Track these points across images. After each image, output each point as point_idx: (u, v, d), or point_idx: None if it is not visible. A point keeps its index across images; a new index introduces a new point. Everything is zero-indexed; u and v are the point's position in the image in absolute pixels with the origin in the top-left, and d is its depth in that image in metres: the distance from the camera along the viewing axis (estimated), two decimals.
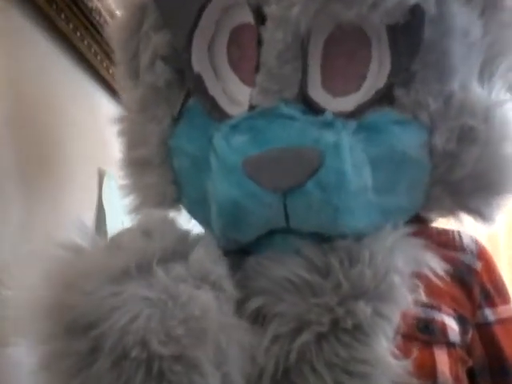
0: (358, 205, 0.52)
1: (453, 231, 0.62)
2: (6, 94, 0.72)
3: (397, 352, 0.49)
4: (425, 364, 0.52)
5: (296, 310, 0.50)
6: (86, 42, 0.90)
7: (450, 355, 0.55)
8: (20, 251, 0.73)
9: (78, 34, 0.88)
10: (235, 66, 0.59)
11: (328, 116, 0.53)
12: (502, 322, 0.60)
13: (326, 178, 0.51)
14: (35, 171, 0.78)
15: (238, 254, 0.57)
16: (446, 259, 0.55)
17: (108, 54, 0.93)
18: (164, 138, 0.61)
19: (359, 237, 0.53)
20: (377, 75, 0.55)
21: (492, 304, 0.60)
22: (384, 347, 0.49)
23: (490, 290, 0.60)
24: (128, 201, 0.66)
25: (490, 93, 0.56)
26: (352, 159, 0.52)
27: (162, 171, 0.62)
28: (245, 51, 0.58)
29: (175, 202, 0.64)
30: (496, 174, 0.56)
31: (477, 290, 0.59)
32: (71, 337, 0.48)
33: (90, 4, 0.89)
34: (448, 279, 0.55)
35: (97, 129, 0.96)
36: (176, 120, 0.61)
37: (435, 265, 0.53)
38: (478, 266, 0.60)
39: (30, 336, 0.51)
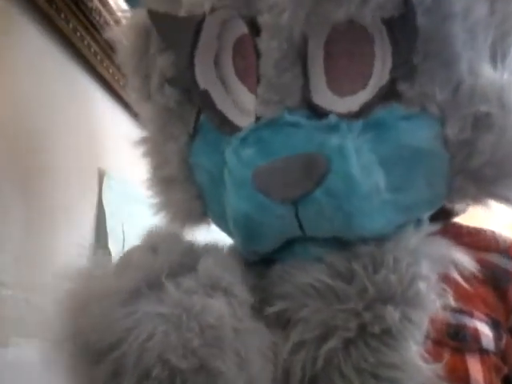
0: (371, 206, 0.51)
1: (485, 231, 0.60)
2: (6, 94, 0.72)
3: (427, 356, 0.48)
4: (457, 371, 0.51)
5: (320, 317, 0.50)
6: (85, 42, 0.90)
7: (483, 363, 0.53)
8: (20, 251, 0.73)
9: (78, 34, 0.88)
10: (242, 76, 0.59)
11: (332, 119, 0.52)
12: None
13: (334, 184, 0.50)
14: (35, 171, 0.78)
15: (264, 263, 0.57)
16: (479, 261, 0.53)
17: (108, 54, 0.93)
18: (184, 156, 0.61)
19: (381, 240, 0.52)
20: (381, 71, 0.53)
21: None
22: (413, 351, 0.48)
23: None
24: (159, 218, 0.67)
25: (503, 74, 0.54)
26: (359, 161, 0.51)
27: (187, 187, 0.62)
28: (248, 61, 0.57)
29: (203, 215, 0.64)
30: None
31: (511, 293, 0.57)
32: (92, 364, 0.48)
33: (89, 4, 0.89)
34: (479, 282, 0.54)
35: (97, 129, 0.96)
36: (192, 137, 0.61)
37: (464, 266, 0.52)
38: None
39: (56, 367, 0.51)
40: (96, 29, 0.91)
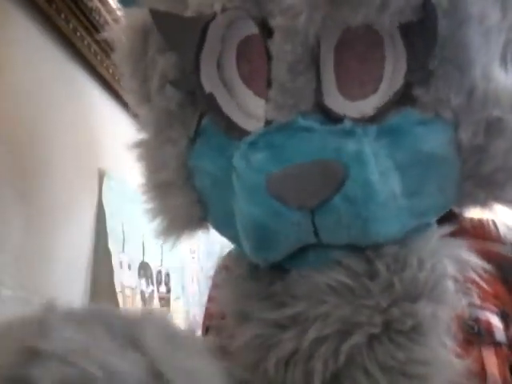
0: (387, 213, 0.51)
1: (488, 221, 0.60)
2: (6, 94, 0.72)
3: (458, 351, 0.49)
4: (473, 365, 0.51)
5: (341, 312, 0.49)
6: (85, 42, 0.90)
7: (497, 355, 0.54)
8: (20, 251, 0.73)
9: (78, 34, 0.88)
10: (247, 80, 0.58)
11: (347, 124, 0.51)
12: None
13: (352, 191, 0.49)
14: (35, 171, 0.78)
15: (275, 270, 0.56)
16: (485, 254, 0.54)
17: (108, 54, 0.93)
18: (183, 160, 0.60)
19: (402, 243, 0.52)
20: (393, 75, 0.53)
21: None
22: (444, 347, 0.48)
23: None
24: (155, 224, 0.64)
25: None
26: (377, 167, 0.50)
27: (186, 192, 0.61)
28: (255, 64, 0.56)
29: (202, 220, 0.63)
30: None
31: None
32: None
33: (89, 4, 0.89)
34: (489, 275, 0.54)
35: (97, 129, 0.96)
36: (193, 140, 0.59)
37: (479, 266, 0.52)
38: None
39: None
40: (96, 29, 0.91)
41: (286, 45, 0.51)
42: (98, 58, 0.95)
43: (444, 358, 0.48)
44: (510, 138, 0.53)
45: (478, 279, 0.52)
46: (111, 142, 1.00)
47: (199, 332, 0.73)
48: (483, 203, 0.56)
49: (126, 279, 0.98)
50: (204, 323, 0.73)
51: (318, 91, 0.53)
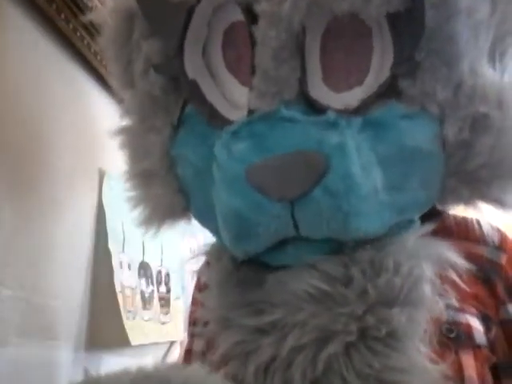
0: (368, 207, 0.50)
1: (472, 220, 0.60)
2: (5, 94, 0.72)
3: (434, 356, 0.48)
4: (450, 370, 0.50)
5: (317, 321, 0.49)
6: (85, 42, 0.90)
7: (476, 358, 0.53)
8: (20, 251, 0.73)
9: (78, 34, 0.88)
10: (232, 68, 0.57)
11: (331, 115, 0.50)
12: None
13: (333, 184, 0.48)
14: (35, 171, 0.78)
15: (256, 266, 0.55)
16: (468, 256, 0.53)
17: None
18: (166, 149, 0.59)
19: (377, 243, 0.51)
20: (380, 67, 0.52)
21: None
22: (420, 353, 0.48)
23: None
24: (136, 213, 0.64)
25: (503, 75, 0.53)
26: (360, 160, 0.49)
27: (168, 181, 0.60)
28: (240, 51, 0.55)
29: (184, 211, 0.62)
30: None
31: (500, 286, 0.58)
32: None
33: (89, 4, 0.89)
34: (470, 277, 0.53)
35: (97, 129, 0.96)
36: (176, 128, 0.59)
37: (458, 266, 0.52)
38: (502, 259, 0.59)
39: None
40: (96, 29, 0.91)
41: (270, 30, 0.51)
42: (98, 58, 0.95)
43: (420, 364, 0.47)
44: (495, 134, 0.52)
45: (457, 280, 0.52)
46: (111, 141, 1.00)
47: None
48: (467, 201, 0.56)
49: (125, 279, 0.98)
50: (189, 329, 0.72)
51: (303, 80, 0.52)
